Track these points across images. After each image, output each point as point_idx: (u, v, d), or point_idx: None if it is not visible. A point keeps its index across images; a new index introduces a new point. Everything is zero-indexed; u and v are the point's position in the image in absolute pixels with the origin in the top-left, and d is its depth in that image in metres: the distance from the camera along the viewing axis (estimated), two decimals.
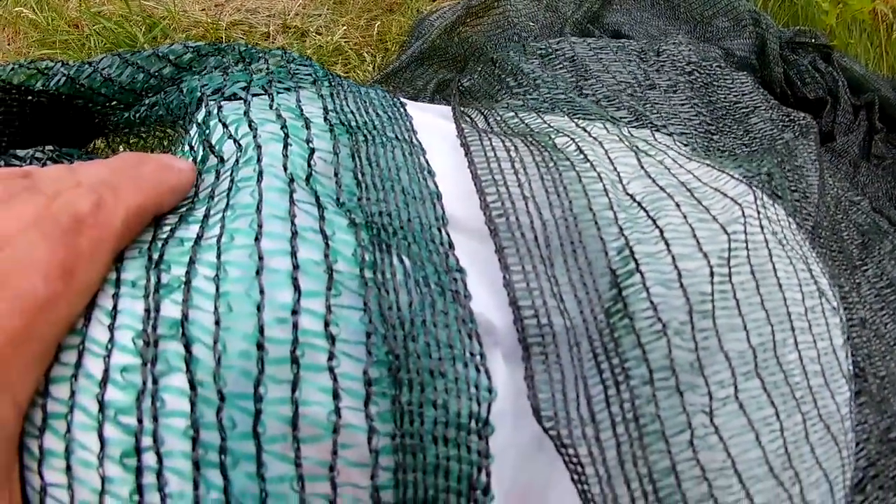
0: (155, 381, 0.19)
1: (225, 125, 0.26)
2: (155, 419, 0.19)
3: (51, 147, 0.29)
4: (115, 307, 0.20)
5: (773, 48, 0.62)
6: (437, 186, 0.29)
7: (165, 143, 0.34)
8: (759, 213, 0.32)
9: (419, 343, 0.22)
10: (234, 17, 0.69)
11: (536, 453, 0.28)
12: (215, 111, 0.27)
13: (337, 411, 0.20)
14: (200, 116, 0.27)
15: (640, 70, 0.42)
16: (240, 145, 0.25)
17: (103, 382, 0.19)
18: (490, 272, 0.29)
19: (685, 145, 0.38)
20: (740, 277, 0.30)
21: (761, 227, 0.32)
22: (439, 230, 0.27)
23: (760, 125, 0.42)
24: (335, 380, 0.20)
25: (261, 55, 0.31)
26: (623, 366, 0.27)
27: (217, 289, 0.20)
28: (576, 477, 0.26)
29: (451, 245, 0.27)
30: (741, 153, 0.39)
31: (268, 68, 0.29)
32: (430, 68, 0.61)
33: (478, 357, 0.24)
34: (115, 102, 0.31)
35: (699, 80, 0.43)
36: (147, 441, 0.19)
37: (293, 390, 0.19)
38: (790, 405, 0.30)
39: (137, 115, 0.31)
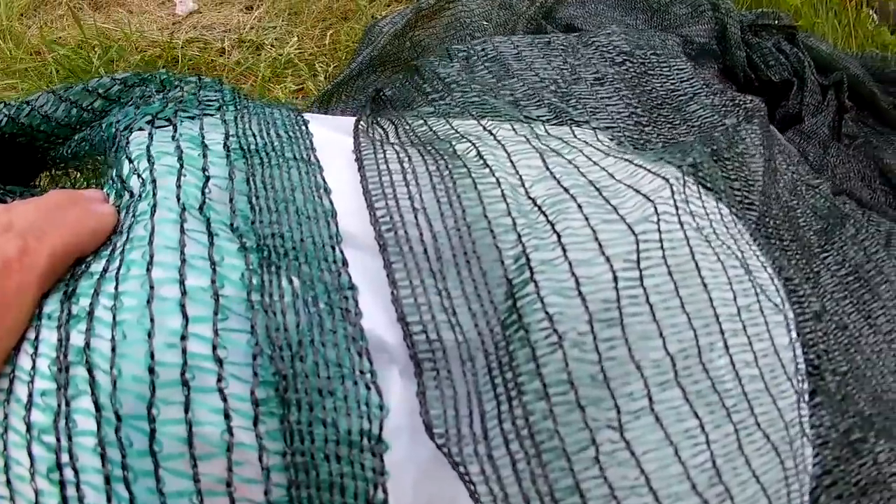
0: (67, 404, 0.21)
1: (130, 160, 0.27)
2: (69, 438, 0.21)
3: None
4: (36, 337, 0.22)
5: (733, 32, 0.59)
6: (332, 204, 0.28)
7: (97, 177, 0.35)
8: (677, 208, 0.29)
9: (307, 363, 0.23)
10: (190, 34, 0.68)
11: (439, 469, 0.26)
12: (124, 146, 0.28)
13: (229, 430, 0.21)
14: (113, 152, 0.29)
15: (567, 65, 0.40)
16: (142, 179, 0.26)
17: (28, 405, 0.21)
18: (384, 289, 0.27)
19: (611, 139, 0.36)
20: (654, 280, 0.28)
21: (681, 224, 0.29)
22: (333, 248, 0.27)
23: (700, 112, 0.40)
24: (225, 400, 0.21)
25: (177, 83, 0.32)
26: (516, 380, 0.25)
27: (114, 318, 0.21)
28: (472, 496, 0.24)
29: (344, 262, 0.27)
30: (674, 143, 0.37)
31: (181, 96, 0.30)
32: (382, 75, 0.60)
33: (368, 375, 0.24)
34: (53, 138, 0.33)
35: (631, 70, 0.40)
36: (65, 458, 0.21)
37: (186, 411, 0.21)
38: (719, 415, 0.28)
39: (69, 150, 0.32)
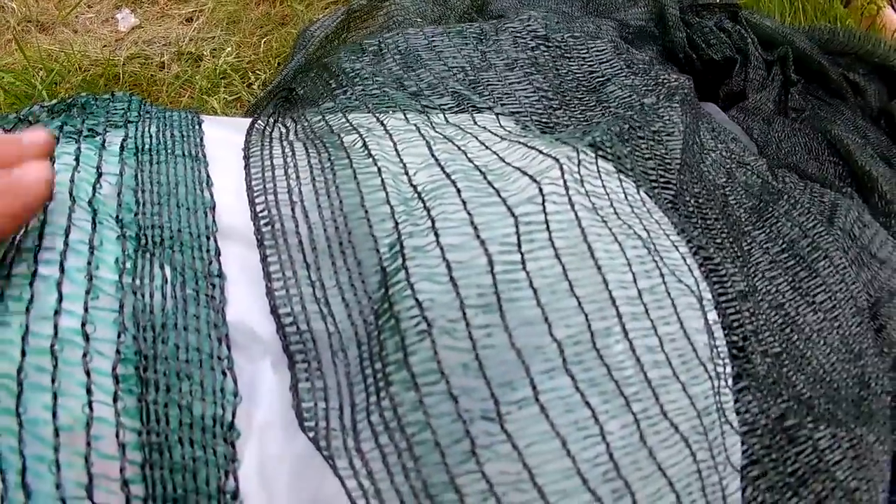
0: None
1: None
2: None
3: None
4: None
5: (672, 13, 0.57)
6: (212, 197, 0.29)
7: None
8: (567, 188, 0.28)
9: (168, 345, 0.24)
10: (132, 50, 0.67)
11: (316, 466, 0.25)
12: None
13: (90, 405, 0.21)
14: None
15: (477, 52, 0.38)
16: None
17: None
18: (262, 283, 0.26)
19: (515, 123, 0.34)
20: (539, 263, 0.26)
21: (571, 205, 0.27)
22: (207, 238, 0.27)
23: (618, 93, 0.38)
24: (88, 375, 0.22)
25: (94, 101, 0.34)
26: (385, 370, 0.23)
27: (2, 292, 0.23)
28: (346, 492, 0.22)
29: (217, 252, 0.27)
30: (580, 125, 0.35)
31: (92, 112, 0.33)
32: (316, 79, 0.58)
33: (224, 361, 0.24)
34: None
35: (545, 54, 0.39)
36: None
37: (52, 381, 0.21)
38: (615, 404, 0.26)
39: None
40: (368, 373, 0.24)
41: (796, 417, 0.34)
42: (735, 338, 0.33)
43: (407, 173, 0.28)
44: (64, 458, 0.21)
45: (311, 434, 0.24)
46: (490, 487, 0.23)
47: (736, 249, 0.36)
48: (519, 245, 0.26)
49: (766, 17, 0.61)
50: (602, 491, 0.24)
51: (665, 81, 0.41)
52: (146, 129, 0.31)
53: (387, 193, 0.27)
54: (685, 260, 0.32)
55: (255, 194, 0.28)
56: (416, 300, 0.24)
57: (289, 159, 0.29)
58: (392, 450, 0.23)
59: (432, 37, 0.39)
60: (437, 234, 0.25)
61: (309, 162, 0.29)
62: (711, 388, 0.30)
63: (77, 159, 0.28)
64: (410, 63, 0.37)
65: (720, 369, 0.31)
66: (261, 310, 0.26)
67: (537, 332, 0.25)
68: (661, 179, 0.35)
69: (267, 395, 0.25)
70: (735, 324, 0.34)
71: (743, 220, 0.38)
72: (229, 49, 0.63)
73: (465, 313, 0.24)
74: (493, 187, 0.27)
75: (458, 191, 0.26)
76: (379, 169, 0.28)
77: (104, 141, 0.30)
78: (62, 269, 0.23)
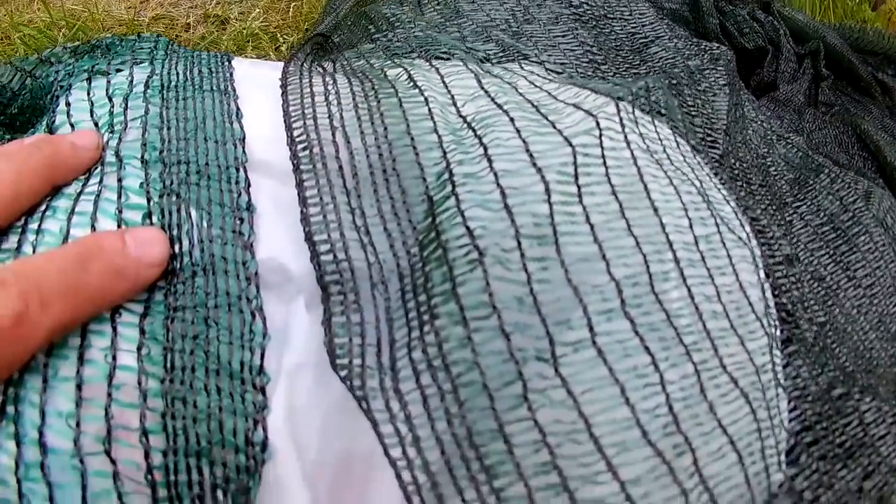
0: None
1: (68, 115, 0.27)
2: None
3: None
4: None
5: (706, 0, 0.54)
6: (241, 128, 0.26)
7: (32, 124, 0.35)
8: (623, 125, 0.24)
9: (198, 294, 0.22)
10: (157, 11, 0.65)
11: (350, 416, 0.21)
12: (62, 97, 0.28)
13: (114, 355, 0.20)
14: (49, 101, 0.29)
15: (520, 7, 0.35)
16: (73, 126, 0.26)
17: None
18: (297, 217, 0.23)
19: (559, 73, 0.31)
20: (595, 199, 0.23)
21: (627, 142, 0.24)
22: (237, 169, 0.25)
23: (662, 54, 0.35)
24: (115, 329, 0.20)
25: (119, 42, 0.32)
26: (430, 303, 0.20)
27: (34, 252, 0.21)
28: (377, 437, 0.19)
29: (247, 184, 0.24)
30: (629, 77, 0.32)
31: (117, 52, 0.31)
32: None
33: (254, 302, 0.22)
34: (8, 108, 0.32)
35: (589, 12, 0.36)
36: None
37: (81, 337, 0.20)
38: (675, 352, 0.23)
39: (16, 107, 0.32)
40: (411, 306, 0.21)
41: (844, 387, 0.31)
42: (784, 300, 0.30)
43: (455, 104, 0.25)
44: (85, 412, 0.19)
45: (344, 372, 0.21)
46: (543, 437, 0.20)
47: (779, 218, 0.33)
48: (576, 177, 0.22)
49: (798, 11, 0.58)
50: (663, 445, 0.21)
51: (708, 48, 0.38)
52: (173, 66, 0.29)
53: (434, 122, 0.24)
54: (737, 214, 0.28)
55: (293, 119, 0.25)
56: (467, 227, 0.21)
57: (330, 87, 0.26)
58: (434, 391, 0.20)
59: None
60: (490, 160, 0.22)
61: (352, 90, 0.26)
62: (767, 344, 0.26)
63: (111, 104, 0.26)
64: (452, 13, 0.34)
65: (772, 329, 0.28)
66: (295, 245, 0.23)
67: (595, 270, 0.22)
68: (709, 138, 0.31)
69: (299, 336, 0.22)
70: (783, 287, 0.30)
71: (784, 191, 0.35)
72: (257, 12, 0.61)
73: (520, 243, 0.21)
74: (548, 119, 0.24)
75: (511, 119, 0.23)
76: (426, 98, 0.25)
77: (132, 78, 0.27)
78: (94, 229, 0.21)
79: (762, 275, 0.28)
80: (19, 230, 0.22)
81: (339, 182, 0.23)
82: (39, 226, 0.22)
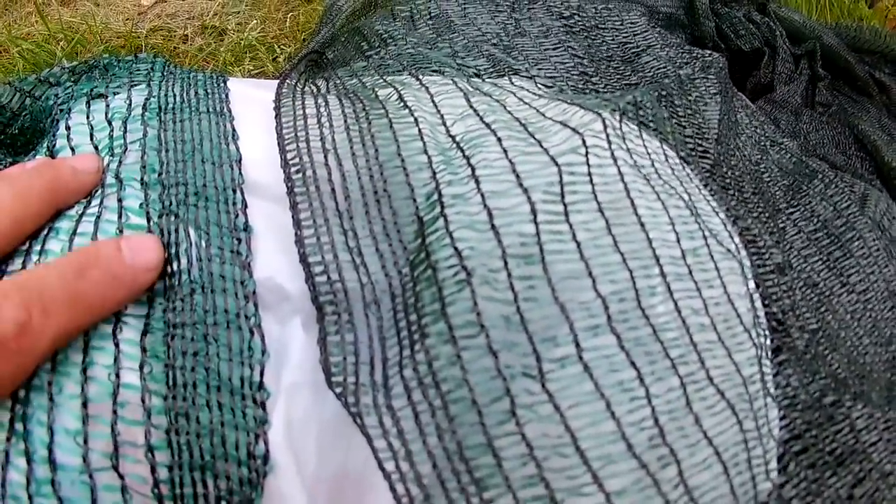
0: None
1: (68, 138, 0.28)
2: None
3: None
4: None
5: (701, 2, 0.55)
6: (238, 150, 0.27)
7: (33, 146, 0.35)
8: (609, 142, 0.25)
9: (197, 311, 0.22)
10: (155, 23, 0.66)
11: (345, 431, 0.23)
12: (62, 120, 0.28)
13: (117, 373, 0.20)
14: (49, 125, 0.29)
15: (511, 20, 0.36)
16: (73, 150, 0.27)
17: None
18: (290, 237, 0.24)
19: (550, 87, 0.31)
20: (582, 216, 0.23)
21: (614, 159, 0.25)
22: (234, 191, 0.25)
23: (653, 63, 0.35)
24: (117, 346, 0.21)
25: (116, 63, 0.33)
26: (420, 322, 0.21)
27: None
28: (372, 452, 0.20)
29: (244, 205, 0.25)
30: (617, 90, 0.32)
31: (115, 73, 0.31)
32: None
33: (252, 319, 0.23)
34: (8, 128, 0.33)
35: (580, 24, 0.36)
36: None
37: (84, 355, 0.20)
38: (661, 366, 0.23)
39: (16, 128, 0.33)
40: (402, 325, 0.22)
41: (835, 395, 0.31)
42: (775, 310, 0.30)
43: (444, 123, 0.26)
44: (92, 430, 0.20)
45: (339, 389, 0.22)
46: (530, 451, 0.20)
47: (771, 226, 0.33)
48: (562, 195, 0.23)
49: (795, 12, 0.58)
50: (647, 457, 0.22)
51: (700, 55, 0.38)
52: (169, 88, 0.30)
53: (424, 143, 0.25)
54: (726, 226, 0.29)
55: (286, 142, 0.26)
56: (455, 248, 0.21)
57: (322, 109, 0.27)
58: (426, 407, 0.21)
59: (465, 3, 0.37)
60: (477, 182, 0.22)
61: (343, 111, 0.26)
62: (756, 355, 0.27)
63: (90, 128, 0.26)
64: (444, 28, 0.35)
65: (761, 339, 0.28)
66: (290, 266, 0.24)
67: (581, 287, 0.22)
68: (699, 148, 0.32)
69: (296, 354, 0.23)
70: (774, 296, 0.31)
71: (778, 197, 0.36)
72: (254, 23, 0.62)
73: (506, 263, 0.21)
74: (535, 138, 0.24)
75: (499, 139, 0.24)
76: (416, 119, 0.25)
77: (130, 101, 0.28)
78: None
79: (751, 285, 0.29)
80: (24, 253, 0.23)
81: (332, 205, 0.23)
82: (42, 247, 0.23)
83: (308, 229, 0.23)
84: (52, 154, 0.27)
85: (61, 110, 0.29)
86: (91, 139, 0.27)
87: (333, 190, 0.24)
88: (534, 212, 0.22)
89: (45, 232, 0.23)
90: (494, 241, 0.22)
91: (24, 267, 0.22)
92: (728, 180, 0.33)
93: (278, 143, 0.26)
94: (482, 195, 0.22)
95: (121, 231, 0.23)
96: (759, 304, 0.29)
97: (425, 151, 0.25)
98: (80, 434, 0.20)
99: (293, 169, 0.25)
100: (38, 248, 0.23)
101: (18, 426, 0.20)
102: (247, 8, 0.64)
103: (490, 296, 0.21)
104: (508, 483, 0.20)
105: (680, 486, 0.22)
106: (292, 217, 0.24)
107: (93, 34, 0.63)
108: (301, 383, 0.22)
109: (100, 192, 0.25)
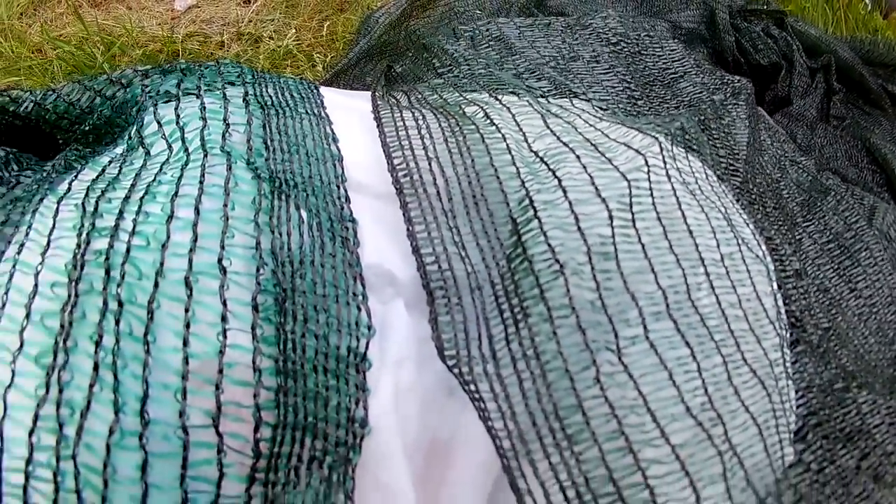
0: (77, 295, 0.24)
1: (160, 123, 0.32)
2: (71, 324, 0.23)
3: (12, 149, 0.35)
4: (48, 241, 0.25)
5: (722, 17, 0.65)
6: (339, 151, 0.34)
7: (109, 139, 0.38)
8: (665, 163, 0.34)
9: (306, 280, 0.26)
10: (190, 28, 0.73)
11: (445, 400, 0.30)
12: (149, 107, 0.33)
13: (224, 332, 0.23)
14: (135, 111, 0.34)
15: (565, 44, 0.45)
16: (168, 141, 0.31)
17: (33, 294, 0.24)
18: (395, 229, 0.32)
19: (604, 110, 0.41)
20: (645, 223, 0.32)
21: (668, 177, 0.34)
22: (338, 186, 0.32)
23: (689, 88, 0.45)
24: (224, 304, 0.24)
25: (197, 67, 0.37)
26: (522, 305, 0.29)
27: (133, 229, 0.25)
28: (480, 413, 0.28)
29: (347, 199, 0.31)
30: (663, 114, 0.42)
31: (201, 74, 0.35)
32: (379, 64, 0.65)
33: (360, 297, 0.28)
34: (76, 126, 0.37)
35: (625, 50, 0.46)
36: (62, 342, 0.23)
37: (186, 310, 0.23)
38: (708, 346, 0.32)
39: (89, 125, 0.37)
40: (505, 307, 0.30)
41: (844, 383, 0.41)
42: (793, 308, 0.40)
43: (527, 141, 0.35)
44: (192, 386, 0.22)
45: (452, 362, 0.30)
46: (612, 410, 0.29)
47: (790, 237, 0.43)
48: (630, 205, 0.32)
49: (811, 26, 0.68)
50: (701, 418, 0.31)
51: (730, 81, 0.48)
52: (264, 89, 0.34)
53: (512, 156, 0.33)
54: (754, 235, 0.39)
55: (392, 150, 0.34)
56: (549, 245, 0.30)
57: (420, 122, 0.35)
58: (528, 375, 0.28)
59: (523, 27, 0.46)
60: (564, 191, 0.31)
61: (440, 125, 0.35)
62: (779, 343, 0.36)
63: (203, 109, 0.31)
64: (506, 50, 0.44)
65: (783, 332, 0.38)
66: (395, 254, 0.31)
67: (646, 280, 0.32)
68: (731, 167, 0.41)
69: (401, 331, 0.30)
70: (792, 297, 0.40)
71: (795, 212, 0.45)
72: (293, 31, 0.70)
73: (590, 258, 0.30)
74: (605, 156, 0.34)
75: (578, 156, 0.33)
76: (503, 135, 0.34)
77: (225, 95, 0.33)
78: (197, 212, 0.26)
79: (775, 286, 0.39)
80: (116, 212, 0.26)
81: (439, 205, 0.32)
82: (139, 208, 0.26)
83: (419, 225, 0.32)
84: (142, 142, 0.31)
85: (146, 104, 0.33)
86: (181, 130, 0.30)
87: (439, 192, 0.33)
88: (610, 217, 0.31)
89: (141, 193, 0.26)
90: (581, 240, 0.30)
91: (116, 225, 0.25)
92: (754, 196, 0.43)
93: (384, 150, 0.34)
94: (569, 202, 0.31)
95: (227, 195, 0.26)
96: (780, 302, 0.39)
97: (514, 163, 0.33)
98: (179, 390, 0.22)
99: (401, 173, 0.33)
100: (133, 209, 0.25)
101: (106, 374, 0.22)
102: (281, 16, 0.72)
103: (578, 284, 0.30)
104: (595, 437, 0.29)
105: (726, 442, 0.31)
106: (403, 214, 0.32)
107: (129, 37, 0.70)
108: (405, 357, 0.29)
109: (196, 160, 0.27)
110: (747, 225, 0.39)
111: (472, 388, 0.29)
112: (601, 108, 0.40)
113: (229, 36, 0.71)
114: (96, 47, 0.69)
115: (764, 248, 0.39)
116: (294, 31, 0.72)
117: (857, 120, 0.67)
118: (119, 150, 0.32)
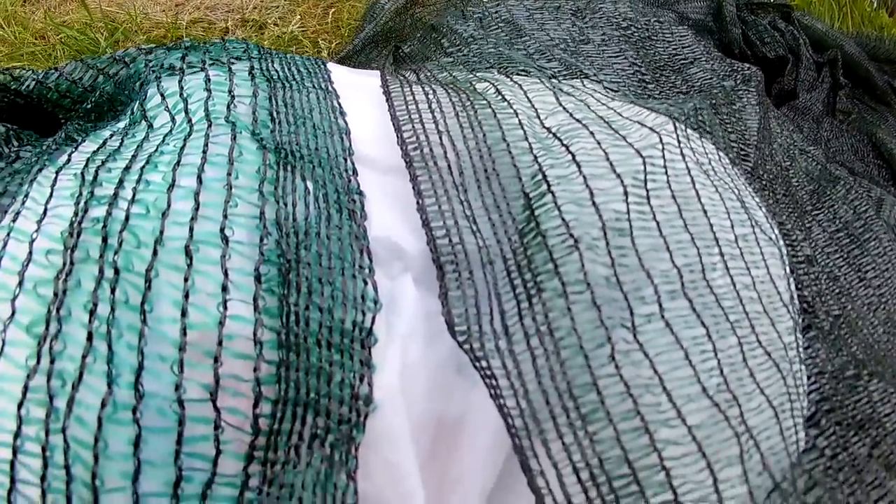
0: (73, 263, 0.23)
1: (163, 96, 0.31)
2: (65, 293, 0.22)
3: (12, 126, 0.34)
4: (45, 209, 0.25)
5: (729, 10, 0.65)
6: (346, 124, 0.33)
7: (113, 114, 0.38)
8: (679, 142, 0.34)
9: (311, 251, 0.25)
10: (194, 15, 0.73)
11: (453, 377, 0.29)
12: (153, 80, 0.32)
13: (224, 303, 0.22)
14: (138, 85, 0.33)
15: (575, 27, 0.45)
16: (171, 113, 0.30)
17: (26, 262, 0.23)
18: (404, 203, 0.31)
19: (615, 91, 0.40)
20: (660, 201, 0.32)
21: (682, 156, 0.34)
22: (345, 159, 0.31)
23: (700, 74, 0.45)
24: (226, 274, 0.23)
25: (202, 44, 0.36)
26: (535, 280, 0.28)
27: (133, 197, 0.24)
28: (491, 391, 0.27)
29: (354, 171, 0.31)
30: (674, 98, 0.41)
31: (206, 50, 0.35)
32: (385, 50, 0.64)
33: (367, 270, 0.27)
34: (78, 105, 0.36)
35: (636, 34, 0.45)
36: (55, 311, 0.22)
37: (185, 279, 0.22)
38: (724, 327, 0.32)
39: (91, 103, 0.36)
40: (517, 283, 0.30)
41: (855, 370, 0.41)
42: (805, 293, 0.39)
43: (539, 117, 0.34)
44: (190, 358, 0.21)
45: (463, 338, 0.29)
46: (627, 389, 0.28)
47: (800, 224, 0.43)
48: (645, 182, 0.32)
49: (818, 20, 0.68)
50: (718, 399, 0.30)
51: (740, 68, 0.47)
52: (270, 63, 0.34)
53: (524, 131, 0.33)
54: (767, 218, 0.38)
55: (402, 122, 0.33)
56: (563, 220, 0.29)
57: (430, 96, 0.34)
58: (541, 352, 0.27)
59: (532, 10, 0.45)
60: (578, 165, 0.31)
61: (450, 100, 0.34)
62: (792, 327, 0.36)
63: (207, 81, 0.31)
64: (515, 32, 0.43)
65: (796, 316, 0.38)
66: (403, 228, 0.30)
67: (661, 258, 0.31)
68: (742, 152, 0.41)
69: (409, 307, 0.29)
70: (804, 283, 0.40)
71: (804, 200, 0.45)
72: (297, 18, 0.69)
73: (605, 233, 0.30)
74: (619, 133, 0.33)
75: (591, 133, 0.32)
76: (515, 111, 0.34)
77: (230, 68, 0.32)
78: (200, 181, 0.25)
79: (788, 270, 0.38)
80: (116, 181, 0.25)
81: (450, 178, 0.31)
82: (140, 177, 0.25)
83: (429, 198, 0.31)
84: (145, 115, 0.30)
85: (149, 79, 0.32)
86: (185, 102, 0.29)
87: (450, 166, 0.32)
88: (625, 193, 0.30)
89: (142, 163, 0.25)
90: (595, 215, 0.30)
91: (116, 198, 0.24)
92: (764, 182, 0.42)
93: (393, 123, 0.33)
94: (584, 177, 0.30)
95: (231, 164, 0.26)
96: (793, 286, 0.39)
97: (526, 139, 0.33)
98: (176, 362, 0.21)
99: (411, 146, 0.33)
100: (134, 178, 0.24)
101: (100, 345, 0.21)
102: (285, 3, 0.72)
103: (594, 259, 0.29)
104: (610, 417, 0.28)
105: (742, 424, 0.31)
106: (413, 188, 0.31)
107: (133, 23, 0.69)
108: (413, 333, 0.28)
109: (199, 131, 0.27)
110: (760, 208, 0.38)
111: (484, 364, 0.28)
112: (612, 90, 0.40)
113: (234, 22, 0.71)
114: (100, 33, 0.69)
115: (777, 231, 0.38)
116: (299, 17, 0.71)
117: (863, 115, 0.67)
118: (121, 124, 0.32)
